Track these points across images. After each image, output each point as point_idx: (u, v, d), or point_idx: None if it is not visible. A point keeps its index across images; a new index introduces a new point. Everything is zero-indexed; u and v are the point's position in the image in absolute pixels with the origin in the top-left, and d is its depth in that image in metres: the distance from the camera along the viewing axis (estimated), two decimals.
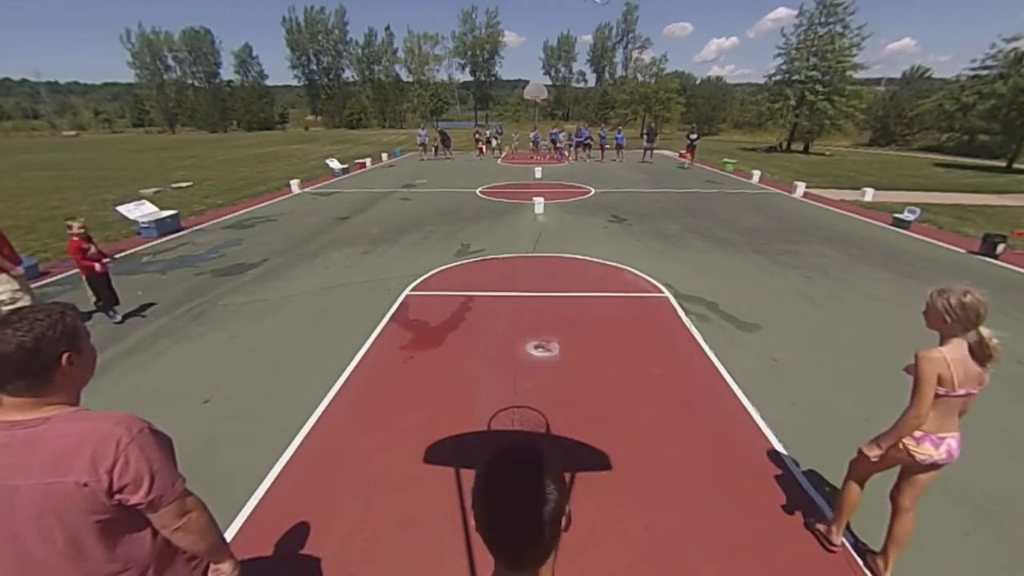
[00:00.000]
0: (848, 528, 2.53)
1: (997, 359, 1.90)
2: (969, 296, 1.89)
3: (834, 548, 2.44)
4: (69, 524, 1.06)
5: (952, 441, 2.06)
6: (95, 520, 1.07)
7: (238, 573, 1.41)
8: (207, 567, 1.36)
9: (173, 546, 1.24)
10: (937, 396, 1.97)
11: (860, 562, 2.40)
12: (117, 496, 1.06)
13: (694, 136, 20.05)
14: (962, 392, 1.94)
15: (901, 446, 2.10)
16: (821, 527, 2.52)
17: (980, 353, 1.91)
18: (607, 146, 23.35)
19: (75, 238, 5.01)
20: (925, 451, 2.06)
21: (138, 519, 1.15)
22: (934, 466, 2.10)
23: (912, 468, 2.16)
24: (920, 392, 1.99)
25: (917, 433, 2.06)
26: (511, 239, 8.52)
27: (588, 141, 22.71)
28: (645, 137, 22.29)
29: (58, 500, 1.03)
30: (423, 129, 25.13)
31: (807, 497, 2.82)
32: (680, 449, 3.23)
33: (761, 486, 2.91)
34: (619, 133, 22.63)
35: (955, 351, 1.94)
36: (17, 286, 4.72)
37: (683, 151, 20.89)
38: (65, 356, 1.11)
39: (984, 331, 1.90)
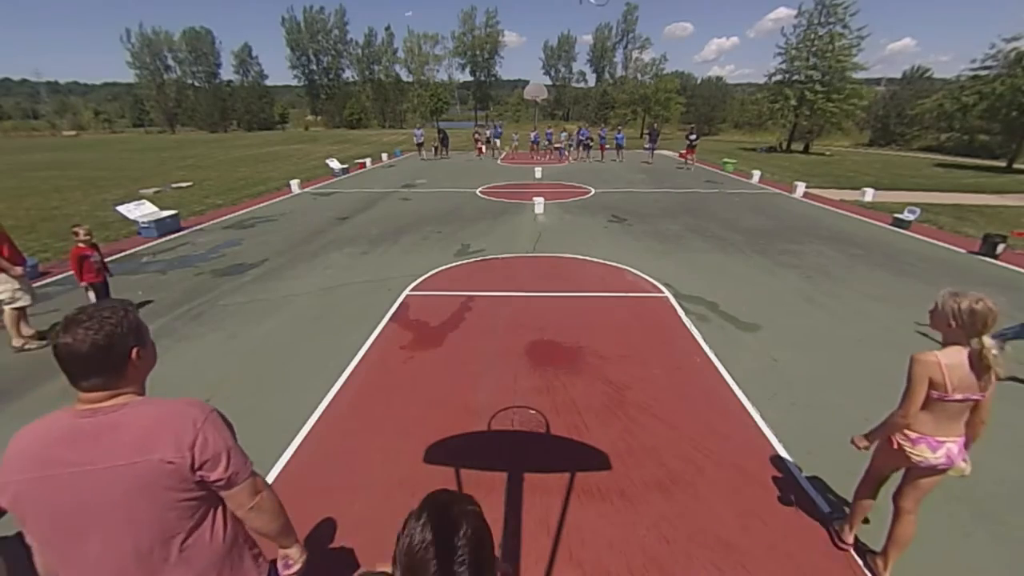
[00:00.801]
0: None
1: (997, 371, 1.87)
2: (980, 304, 1.87)
3: (843, 546, 2.47)
4: (156, 502, 1.09)
5: (953, 446, 2.04)
6: (179, 498, 1.11)
7: (305, 558, 1.44)
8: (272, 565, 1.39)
9: (241, 541, 1.29)
10: (931, 399, 1.97)
11: (860, 562, 2.40)
12: (199, 472, 1.11)
13: (693, 137, 19.98)
14: (959, 397, 1.93)
15: (897, 446, 2.11)
16: (837, 526, 2.54)
17: (978, 363, 1.89)
18: (607, 146, 23.34)
19: (80, 244, 4.81)
20: (921, 453, 2.05)
21: (215, 504, 1.20)
22: (934, 470, 2.09)
23: (913, 471, 2.16)
24: (908, 392, 2.03)
25: (913, 435, 2.07)
26: (511, 239, 8.52)
27: (588, 141, 22.73)
28: (647, 137, 22.32)
29: (145, 479, 1.07)
30: (420, 129, 25.13)
31: (807, 497, 2.82)
32: (680, 449, 3.23)
33: (761, 486, 2.91)
34: (619, 133, 22.60)
35: (953, 356, 1.93)
36: (17, 285, 4.69)
37: (683, 151, 20.89)
38: (134, 351, 1.16)
39: (986, 340, 1.86)
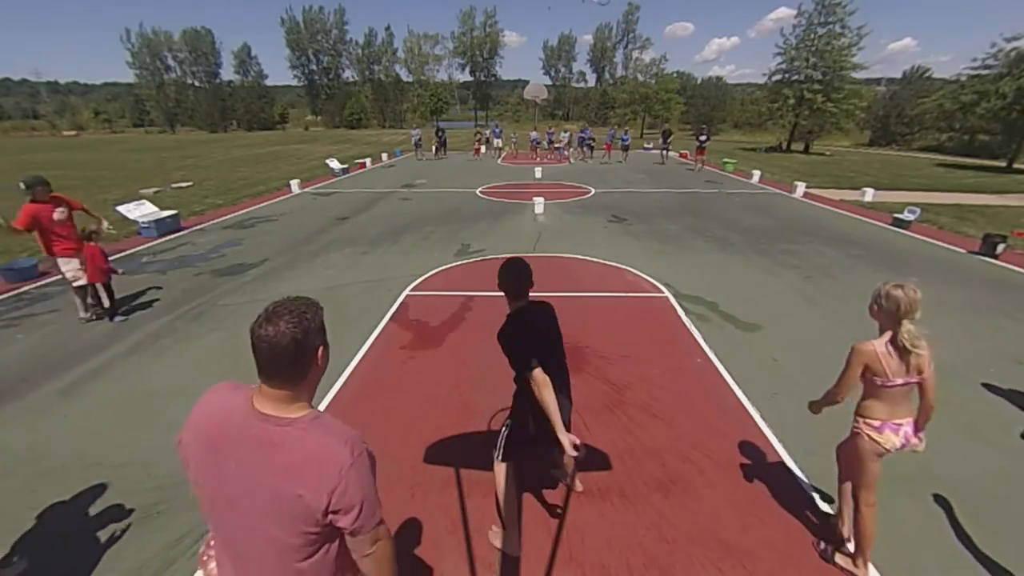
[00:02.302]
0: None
1: (916, 352, 1.97)
2: (899, 290, 1.97)
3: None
4: (285, 526, 1.12)
5: (908, 428, 2.17)
6: (305, 530, 1.12)
7: None
8: None
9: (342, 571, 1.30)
10: (876, 386, 2.11)
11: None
12: (330, 516, 1.12)
13: (704, 137, 18.90)
14: (900, 382, 2.04)
15: (867, 438, 2.20)
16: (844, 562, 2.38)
17: (899, 347, 1.99)
18: (614, 147, 23.08)
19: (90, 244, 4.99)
20: (888, 439, 2.15)
21: (337, 537, 1.22)
22: (888, 452, 2.20)
23: (874, 456, 2.23)
24: (842, 376, 2.20)
25: (875, 422, 2.18)
26: (511, 239, 8.52)
27: (591, 141, 22.67)
28: (661, 138, 22.14)
29: (282, 503, 1.10)
30: (417, 129, 25.08)
31: (807, 497, 2.82)
32: (680, 449, 3.23)
33: (761, 486, 2.91)
34: (625, 134, 22.30)
35: (884, 343, 2.04)
36: (78, 264, 5.01)
37: (683, 151, 20.85)
38: (320, 349, 1.18)
39: (905, 324, 1.97)
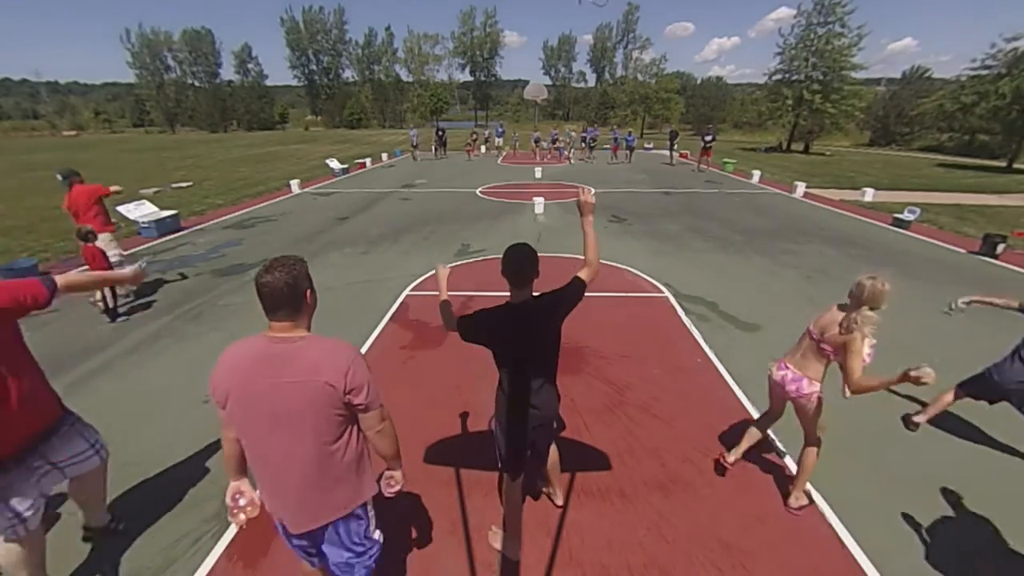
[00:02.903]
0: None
1: (848, 334, 2.28)
2: (869, 280, 2.30)
3: (798, 513, 2.72)
4: (318, 413, 1.47)
5: (788, 373, 2.54)
6: (333, 413, 1.49)
7: (402, 486, 1.82)
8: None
9: (367, 456, 1.69)
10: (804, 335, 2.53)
11: (863, 556, 2.40)
12: (347, 396, 1.49)
13: (709, 138, 18.52)
14: (815, 335, 2.45)
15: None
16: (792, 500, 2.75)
17: (846, 324, 2.29)
18: (620, 147, 22.98)
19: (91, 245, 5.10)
20: (771, 369, 2.64)
21: (354, 423, 1.60)
22: (789, 396, 2.54)
23: (794, 406, 2.58)
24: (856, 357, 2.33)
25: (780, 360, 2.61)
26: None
27: (592, 142, 22.60)
28: (669, 140, 22.09)
29: (313, 394, 1.45)
30: (415, 129, 25.02)
31: (806, 497, 2.82)
32: (680, 449, 3.23)
33: (761, 486, 2.91)
34: (630, 135, 22.15)
35: (835, 313, 2.41)
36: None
37: (684, 151, 20.82)
38: (307, 292, 1.55)
39: (863, 311, 2.27)
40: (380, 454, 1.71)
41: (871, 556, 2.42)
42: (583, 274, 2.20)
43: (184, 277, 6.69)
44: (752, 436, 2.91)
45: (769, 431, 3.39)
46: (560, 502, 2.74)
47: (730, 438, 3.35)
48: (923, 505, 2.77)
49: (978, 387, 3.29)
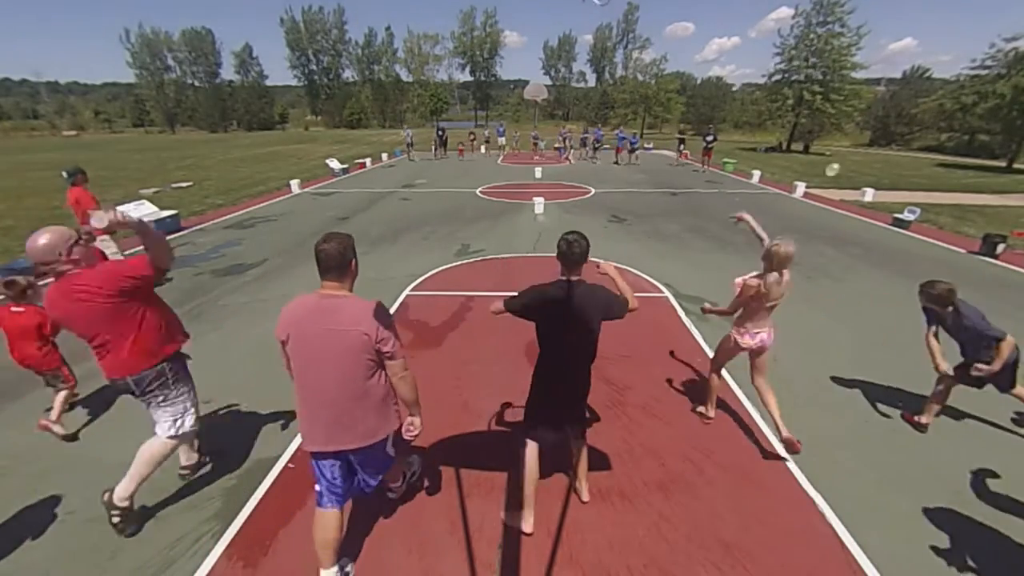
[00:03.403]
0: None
1: (775, 292, 2.94)
2: (775, 247, 2.91)
3: (708, 422, 3.48)
4: (354, 357, 1.89)
5: (763, 336, 3.09)
6: (365, 358, 1.91)
7: (421, 430, 2.21)
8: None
9: (392, 398, 2.08)
10: (752, 306, 3.05)
11: (863, 556, 2.40)
12: (378, 344, 1.89)
13: (710, 138, 18.41)
14: (768, 305, 3.01)
15: (731, 337, 3.21)
16: (701, 408, 3.55)
17: (768, 282, 2.93)
18: (623, 147, 22.94)
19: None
20: (746, 342, 3.11)
21: (381, 369, 2.00)
22: (757, 351, 3.14)
23: (733, 352, 3.25)
24: (737, 297, 3.08)
25: (741, 328, 3.14)
26: (511, 239, 8.52)
27: (595, 144, 22.53)
28: (678, 142, 22.09)
29: (352, 341, 1.87)
30: (410, 129, 24.97)
31: (807, 496, 2.82)
32: (680, 449, 3.23)
33: (761, 486, 2.91)
34: (635, 136, 21.96)
35: (757, 279, 2.97)
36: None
37: (686, 151, 20.82)
38: (353, 261, 1.99)
39: (772, 276, 2.93)
40: (402, 398, 2.10)
41: (871, 556, 2.42)
42: (631, 302, 2.40)
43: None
44: (716, 387, 3.49)
45: (768, 433, 3.41)
46: (586, 498, 2.77)
47: (730, 437, 3.36)
48: (923, 504, 2.77)
49: (965, 373, 3.31)
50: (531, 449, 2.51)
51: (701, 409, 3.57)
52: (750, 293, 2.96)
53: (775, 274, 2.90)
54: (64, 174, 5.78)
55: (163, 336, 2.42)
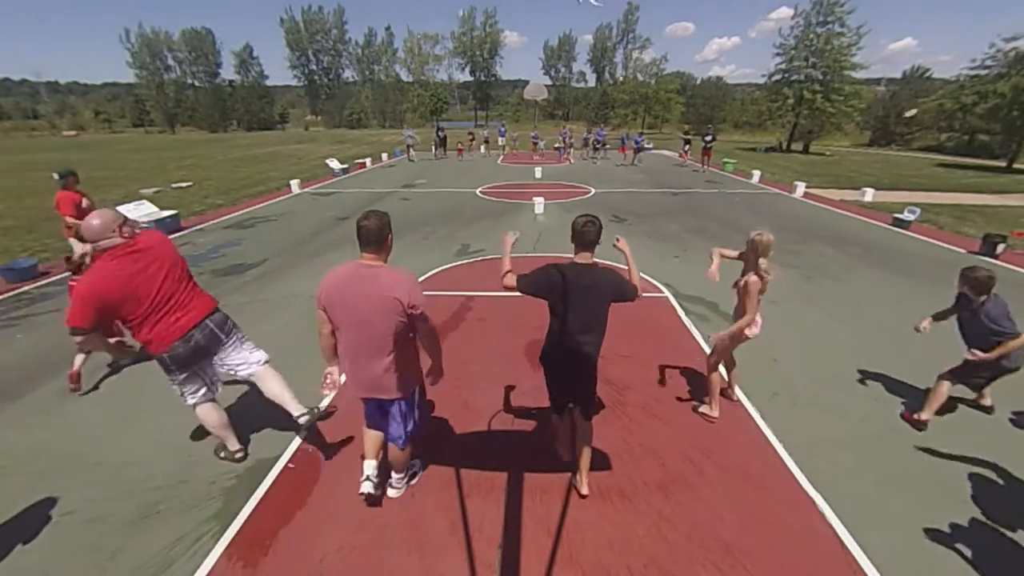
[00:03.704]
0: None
1: (767, 277, 3.07)
2: (757, 235, 3.08)
3: (712, 421, 3.50)
4: (388, 318, 2.17)
5: (760, 321, 3.26)
6: (397, 320, 2.18)
7: (440, 381, 2.55)
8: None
9: (418, 355, 2.45)
10: (756, 302, 3.11)
11: (863, 556, 2.40)
12: (408, 308, 2.17)
13: (709, 138, 18.32)
14: (762, 294, 3.11)
15: (743, 337, 3.28)
16: (704, 409, 3.57)
17: (759, 274, 3.06)
18: (628, 147, 22.87)
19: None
20: (752, 332, 3.25)
21: (411, 329, 2.29)
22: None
23: (739, 342, 3.38)
24: (750, 303, 3.11)
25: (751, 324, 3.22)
26: None
27: (596, 144, 22.47)
28: (685, 144, 21.99)
29: (386, 305, 2.14)
30: (410, 130, 24.92)
31: (807, 497, 2.82)
32: (680, 449, 3.23)
33: (761, 486, 2.91)
34: (639, 136, 21.64)
35: (754, 275, 3.08)
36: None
37: (683, 151, 20.79)
38: (388, 236, 2.25)
39: (762, 262, 3.06)
40: (427, 354, 2.44)
41: (871, 556, 2.42)
42: (638, 286, 2.64)
43: None
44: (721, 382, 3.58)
45: (769, 433, 3.41)
46: (585, 491, 2.77)
47: (730, 437, 3.36)
48: (924, 504, 2.77)
49: (962, 371, 3.37)
50: (556, 419, 2.94)
51: (704, 410, 3.56)
52: (759, 288, 3.06)
53: (764, 260, 3.06)
54: (55, 176, 5.65)
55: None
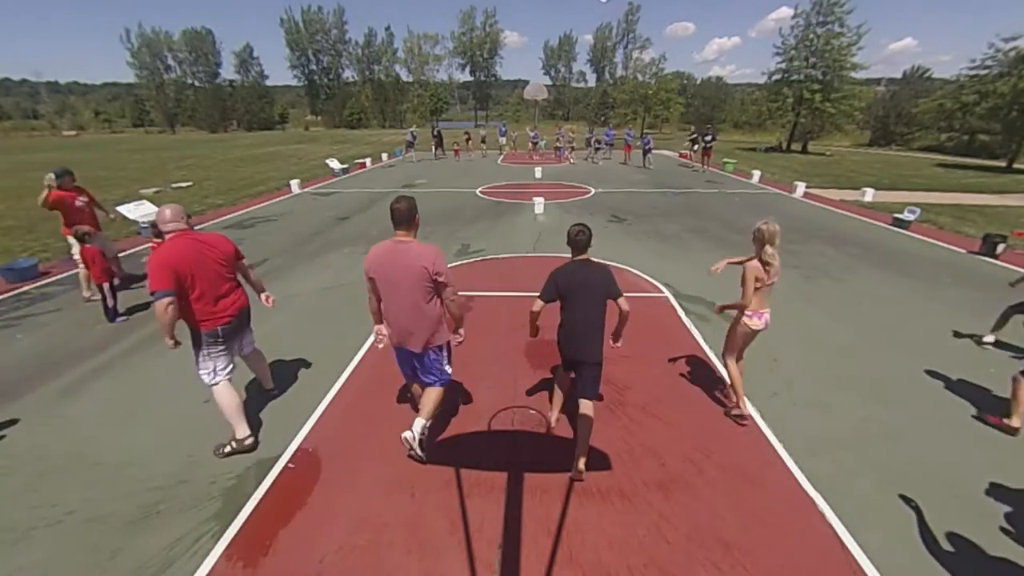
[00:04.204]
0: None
1: (774, 264, 3.13)
2: (763, 225, 3.13)
3: (745, 422, 3.46)
4: (419, 284, 2.67)
5: (767, 315, 3.30)
6: (426, 286, 2.69)
7: (463, 339, 3.14)
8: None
9: (444, 317, 2.93)
10: (756, 289, 3.18)
11: (863, 556, 2.40)
12: (435, 276, 2.66)
13: (709, 138, 18.30)
14: (768, 283, 3.18)
15: (742, 323, 3.32)
16: (736, 412, 3.50)
17: (763, 261, 3.14)
18: (631, 146, 22.61)
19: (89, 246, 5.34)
20: (755, 323, 3.29)
21: (437, 294, 2.80)
22: (756, 333, 3.35)
23: (748, 336, 3.40)
24: (746, 286, 3.19)
25: (750, 312, 3.27)
26: (511, 239, 8.51)
27: (598, 144, 22.39)
28: (690, 142, 21.93)
29: (417, 273, 2.64)
30: (413, 128, 24.80)
31: (807, 496, 2.82)
32: (680, 449, 3.23)
33: (761, 486, 2.91)
34: (647, 137, 20.60)
35: (757, 261, 3.17)
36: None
37: (684, 152, 20.75)
38: (416, 216, 2.74)
39: (768, 249, 3.11)
40: (451, 315, 2.92)
41: (871, 556, 2.42)
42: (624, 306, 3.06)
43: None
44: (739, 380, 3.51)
45: (769, 433, 3.41)
46: (581, 467, 2.87)
47: (730, 437, 3.36)
48: (924, 504, 2.77)
49: None
50: (562, 373, 3.29)
51: (736, 412, 3.48)
52: (757, 274, 3.12)
53: (770, 248, 3.10)
54: (52, 175, 5.62)
55: None
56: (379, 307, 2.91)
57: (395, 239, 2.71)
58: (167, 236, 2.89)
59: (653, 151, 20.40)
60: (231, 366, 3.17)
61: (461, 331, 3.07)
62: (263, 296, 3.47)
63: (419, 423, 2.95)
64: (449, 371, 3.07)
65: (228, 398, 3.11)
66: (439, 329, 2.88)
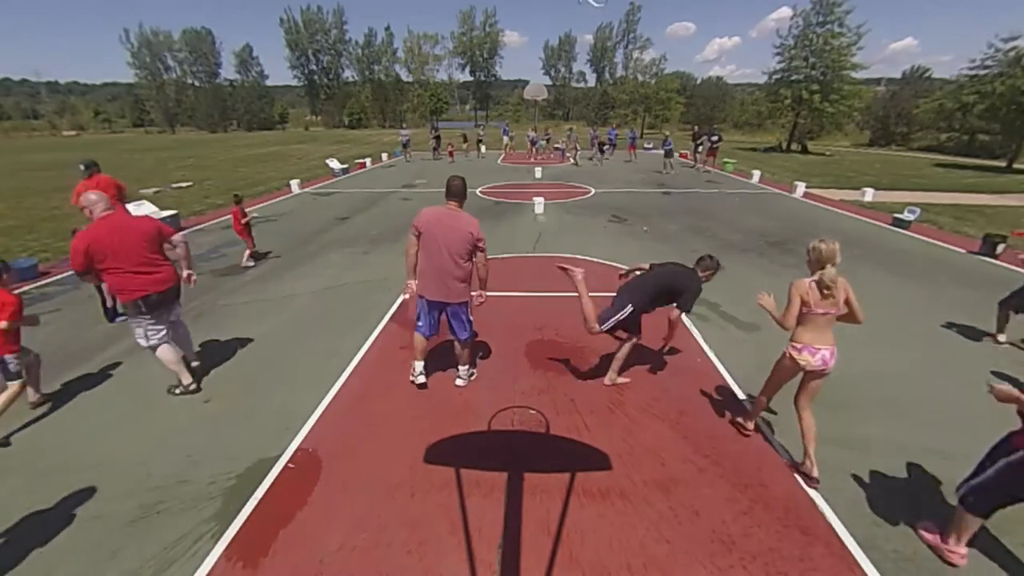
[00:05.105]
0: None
1: (832, 290, 2.64)
2: (822, 244, 2.72)
3: (748, 433, 3.32)
4: (463, 245, 3.37)
5: (826, 353, 2.74)
6: (466, 247, 3.38)
7: (484, 300, 3.70)
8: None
9: (473, 276, 3.56)
10: (803, 313, 2.74)
11: (863, 556, 2.40)
12: (476, 241, 3.40)
13: (715, 138, 18.12)
14: (820, 311, 2.69)
15: (788, 355, 2.84)
16: (740, 419, 3.41)
17: (820, 286, 2.67)
18: (635, 146, 22.51)
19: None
20: (804, 358, 2.76)
21: (473, 255, 3.47)
22: (817, 374, 2.78)
23: (806, 376, 2.84)
24: (788, 305, 2.78)
25: (798, 344, 2.78)
26: (511, 239, 8.51)
27: (600, 144, 22.42)
28: (695, 145, 21.90)
29: (462, 236, 3.35)
30: (407, 129, 24.88)
31: (807, 497, 2.82)
32: (680, 449, 3.23)
33: (761, 486, 2.91)
34: (667, 139, 19.56)
35: (810, 282, 2.73)
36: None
37: (685, 152, 20.73)
38: (466, 191, 3.53)
39: (826, 270, 2.64)
40: (480, 276, 3.55)
41: (871, 556, 2.42)
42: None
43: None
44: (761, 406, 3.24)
45: (768, 432, 3.41)
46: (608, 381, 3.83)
47: (730, 438, 3.35)
48: (923, 505, 2.77)
49: None
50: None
51: (740, 419, 3.43)
52: (802, 293, 2.70)
53: (831, 269, 2.62)
54: (81, 167, 5.95)
55: None
56: (415, 262, 3.46)
57: (448, 207, 3.40)
58: (95, 220, 3.34)
59: (643, 150, 20.05)
60: (163, 331, 3.66)
61: (484, 292, 3.63)
62: (185, 273, 3.80)
63: (464, 369, 3.90)
64: (472, 322, 3.76)
65: (167, 355, 3.68)
66: (468, 287, 3.53)
